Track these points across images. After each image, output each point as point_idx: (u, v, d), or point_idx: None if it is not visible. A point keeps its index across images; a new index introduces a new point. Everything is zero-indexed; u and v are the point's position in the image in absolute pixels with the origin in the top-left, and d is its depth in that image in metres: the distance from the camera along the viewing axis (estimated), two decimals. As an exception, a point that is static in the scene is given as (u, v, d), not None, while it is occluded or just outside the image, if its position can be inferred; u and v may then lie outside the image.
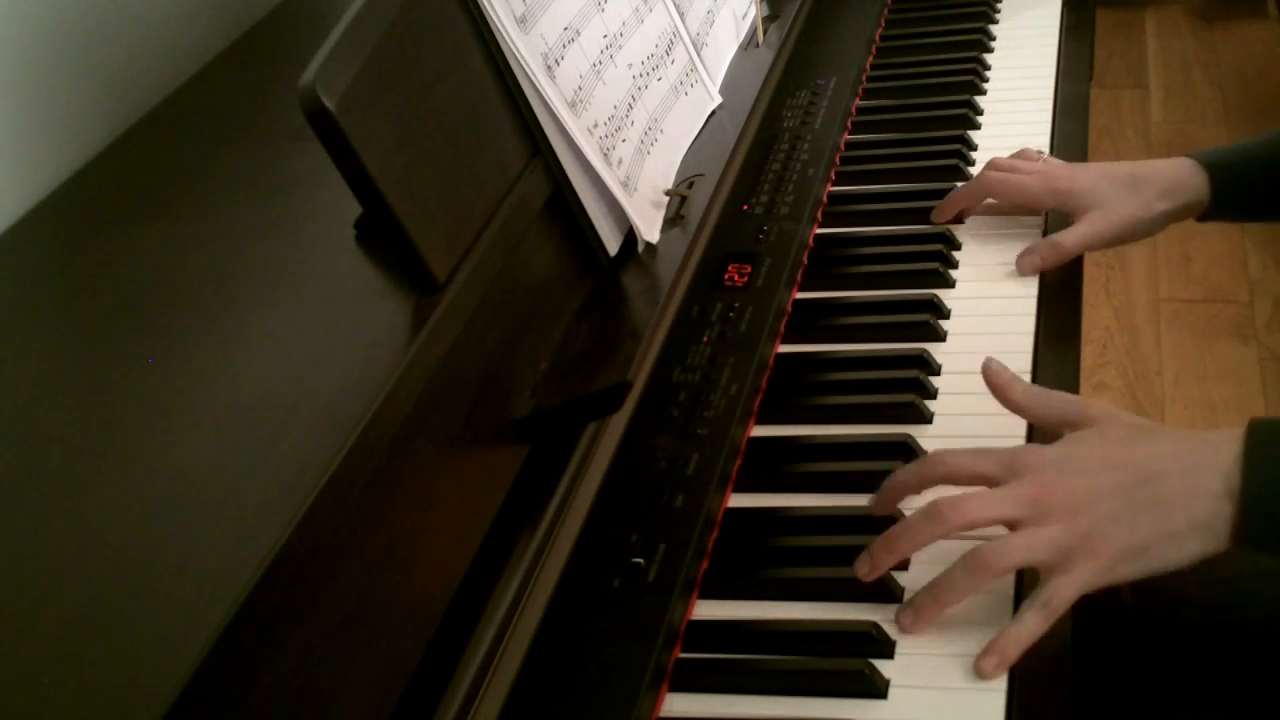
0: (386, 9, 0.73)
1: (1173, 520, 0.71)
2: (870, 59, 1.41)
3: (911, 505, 0.80)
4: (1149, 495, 0.72)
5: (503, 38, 0.81)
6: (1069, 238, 1.03)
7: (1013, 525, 0.73)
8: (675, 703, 0.74)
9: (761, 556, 0.82)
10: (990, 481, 0.76)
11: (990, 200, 1.11)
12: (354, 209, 0.73)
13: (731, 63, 1.14)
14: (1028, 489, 0.74)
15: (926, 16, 1.49)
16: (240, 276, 0.77)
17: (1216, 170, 1.02)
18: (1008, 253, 1.07)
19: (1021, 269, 1.04)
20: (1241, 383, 2.16)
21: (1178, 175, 1.03)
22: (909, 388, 0.93)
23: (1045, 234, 1.08)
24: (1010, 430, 0.87)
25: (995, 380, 0.82)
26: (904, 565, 0.79)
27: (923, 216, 1.12)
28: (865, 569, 0.76)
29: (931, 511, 0.75)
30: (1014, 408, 0.82)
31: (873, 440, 0.89)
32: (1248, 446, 0.72)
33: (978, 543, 0.74)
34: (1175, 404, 2.14)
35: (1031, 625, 0.71)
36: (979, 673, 0.71)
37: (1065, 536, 0.72)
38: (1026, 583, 0.75)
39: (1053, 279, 1.04)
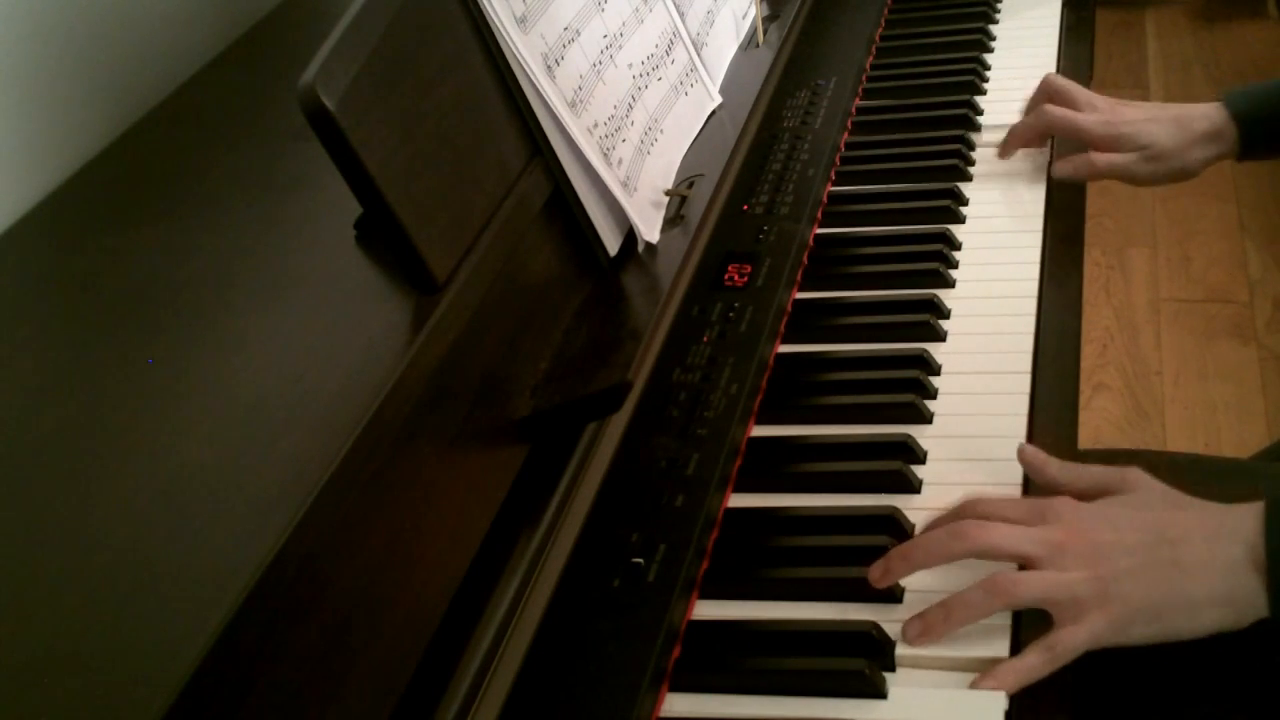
0: (386, 9, 0.73)
1: (1190, 587, 0.72)
2: (870, 59, 1.41)
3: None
4: (1170, 558, 0.72)
5: (503, 38, 0.81)
6: (1103, 161, 1.12)
7: (1033, 565, 0.74)
8: (675, 703, 0.74)
9: (761, 556, 0.82)
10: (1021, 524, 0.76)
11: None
12: (354, 209, 0.73)
13: (731, 63, 1.14)
14: (1054, 533, 0.74)
15: (926, 16, 1.49)
16: (240, 276, 0.77)
17: (1243, 119, 1.09)
18: (1008, 253, 1.07)
19: (1056, 171, 1.15)
20: (1241, 383, 2.16)
21: (1212, 124, 1.10)
22: (909, 388, 0.93)
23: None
24: (1010, 430, 0.88)
25: (1030, 461, 0.82)
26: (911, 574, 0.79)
27: (923, 216, 1.13)
28: (878, 574, 0.76)
29: (956, 529, 0.75)
30: (1051, 484, 0.81)
31: (873, 440, 0.89)
32: (1270, 512, 0.72)
33: (987, 568, 0.74)
34: (1175, 404, 2.14)
35: (1033, 663, 0.71)
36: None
37: (1083, 585, 0.72)
38: (1028, 612, 0.75)
39: (1053, 279, 1.04)
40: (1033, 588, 0.72)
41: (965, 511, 0.78)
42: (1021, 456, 0.83)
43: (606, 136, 0.89)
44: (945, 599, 0.74)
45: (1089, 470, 0.81)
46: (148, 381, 0.69)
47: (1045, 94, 1.18)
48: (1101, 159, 1.12)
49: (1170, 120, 1.11)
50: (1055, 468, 0.81)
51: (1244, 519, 0.73)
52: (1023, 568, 0.74)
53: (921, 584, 0.77)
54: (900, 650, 0.74)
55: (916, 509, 0.83)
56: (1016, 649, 0.73)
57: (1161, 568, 0.72)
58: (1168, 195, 2.63)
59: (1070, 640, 0.71)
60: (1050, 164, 1.17)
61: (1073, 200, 1.15)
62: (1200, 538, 0.73)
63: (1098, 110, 1.14)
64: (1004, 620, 0.75)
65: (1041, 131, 1.17)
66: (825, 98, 1.28)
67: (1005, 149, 1.19)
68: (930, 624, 0.74)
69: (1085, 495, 0.79)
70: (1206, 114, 1.11)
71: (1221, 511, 0.75)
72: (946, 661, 0.73)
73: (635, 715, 0.70)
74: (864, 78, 1.37)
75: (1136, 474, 0.79)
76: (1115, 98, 1.17)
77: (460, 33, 0.79)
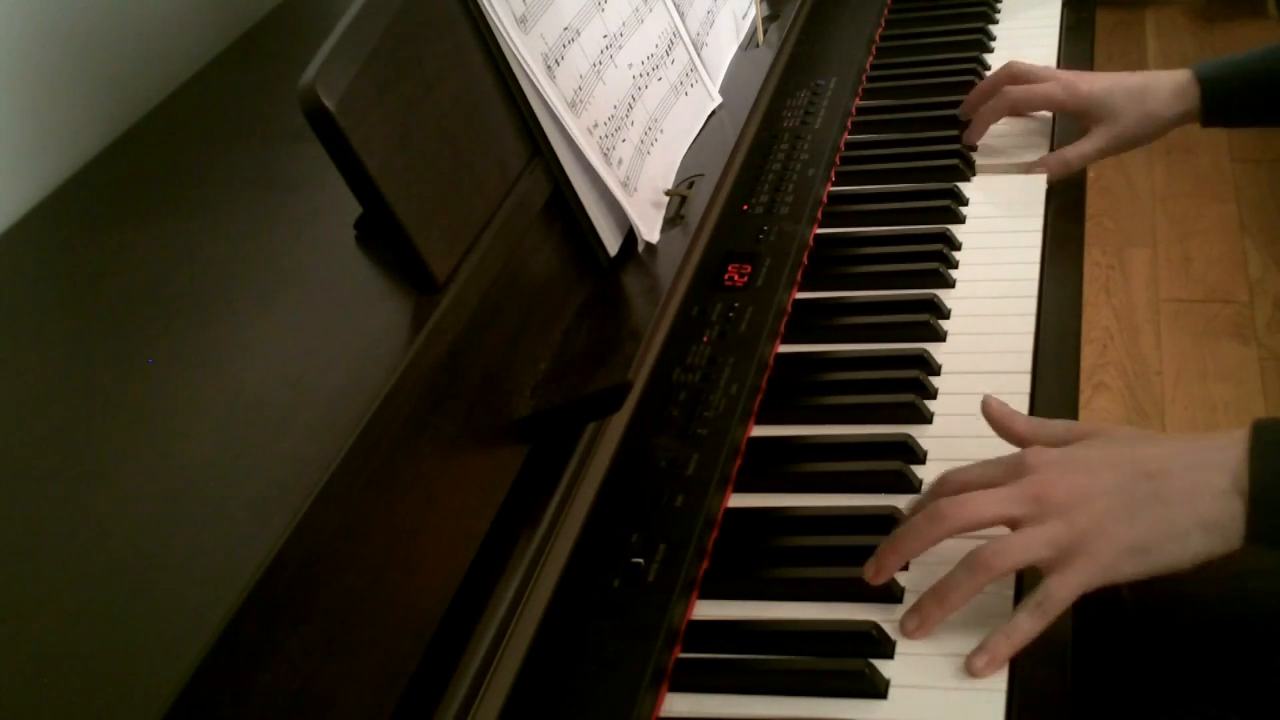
0: (386, 9, 0.73)
1: (1175, 518, 0.71)
2: (870, 59, 1.41)
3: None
4: (1150, 492, 0.72)
5: (503, 38, 0.81)
6: (1074, 152, 1.15)
7: (1015, 524, 0.73)
8: (675, 703, 0.74)
9: (761, 556, 0.82)
10: (996, 485, 0.76)
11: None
12: (354, 209, 0.73)
13: (731, 63, 1.14)
14: (1029, 487, 0.74)
15: (926, 16, 1.49)
16: (240, 277, 0.77)
17: (1207, 84, 1.12)
18: (1008, 253, 1.07)
19: (1030, 172, 1.16)
20: (1241, 383, 2.16)
21: (1178, 87, 1.13)
22: (909, 388, 0.93)
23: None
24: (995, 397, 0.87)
25: (995, 415, 0.82)
26: (904, 565, 0.79)
27: (923, 216, 1.13)
28: (872, 572, 0.76)
29: (933, 512, 0.75)
30: (1018, 440, 0.81)
31: (873, 440, 0.89)
32: (1254, 442, 0.72)
33: (981, 541, 0.74)
34: (1175, 404, 2.14)
35: (1024, 626, 0.71)
36: (969, 671, 0.71)
37: (1065, 533, 0.71)
38: (1027, 581, 0.75)
39: (1053, 279, 1.04)
40: (1013, 553, 0.72)
41: (940, 489, 0.78)
42: (986, 411, 0.82)
43: (606, 136, 0.89)
44: (935, 586, 0.74)
45: (1055, 423, 0.81)
46: (148, 382, 0.69)
47: (1007, 77, 1.20)
48: (1071, 152, 1.16)
49: (1134, 82, 1.14)
50: (1022, 423, 0.81)
51: (1225, 446, 0.73)
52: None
53: (922, 582, 0.77)
54: (901, 646, 0.74)
55: (916, 509, 0.83)
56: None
57: (1143, 503, 0.72)
58: (1168, 195, 2.63)
59: (1059, 591, 0.71)
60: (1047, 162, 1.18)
61: (1073, 200, 1.15)
62: (1180, 467, 0.73)
63: (1059, 80, 1.17)
64: (1005, 612, 0.75)
65: (1004, 112, 1.20)
66: (825, 98, 1.28)
67: (971, 135, 1.21)
68: (926, 614, 0.74)
69: (1055, 445, 0.78)
70: (1172, 76, 1.14)
71: (1200, 442, 0.74)
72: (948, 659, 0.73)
73: (635, 715, 0.70)
74: (864, 78, 1.37)
75: (1103, 424, 0.79)
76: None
77: (460, 33, 0.79)
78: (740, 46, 1.18)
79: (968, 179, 1.18)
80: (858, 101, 1.33)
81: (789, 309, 1.04)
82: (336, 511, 0.59)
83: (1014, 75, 1.20)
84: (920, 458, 0.88)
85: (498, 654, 0.69)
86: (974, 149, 1.22)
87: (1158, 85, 1.13)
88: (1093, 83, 1.15)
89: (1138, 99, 1.13)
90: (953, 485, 0.77)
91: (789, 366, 0.98)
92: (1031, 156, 1.18)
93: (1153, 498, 0.72)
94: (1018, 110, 1.21)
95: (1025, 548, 0.72)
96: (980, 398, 0.84)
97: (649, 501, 0.83)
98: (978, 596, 0.74)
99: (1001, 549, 0.72)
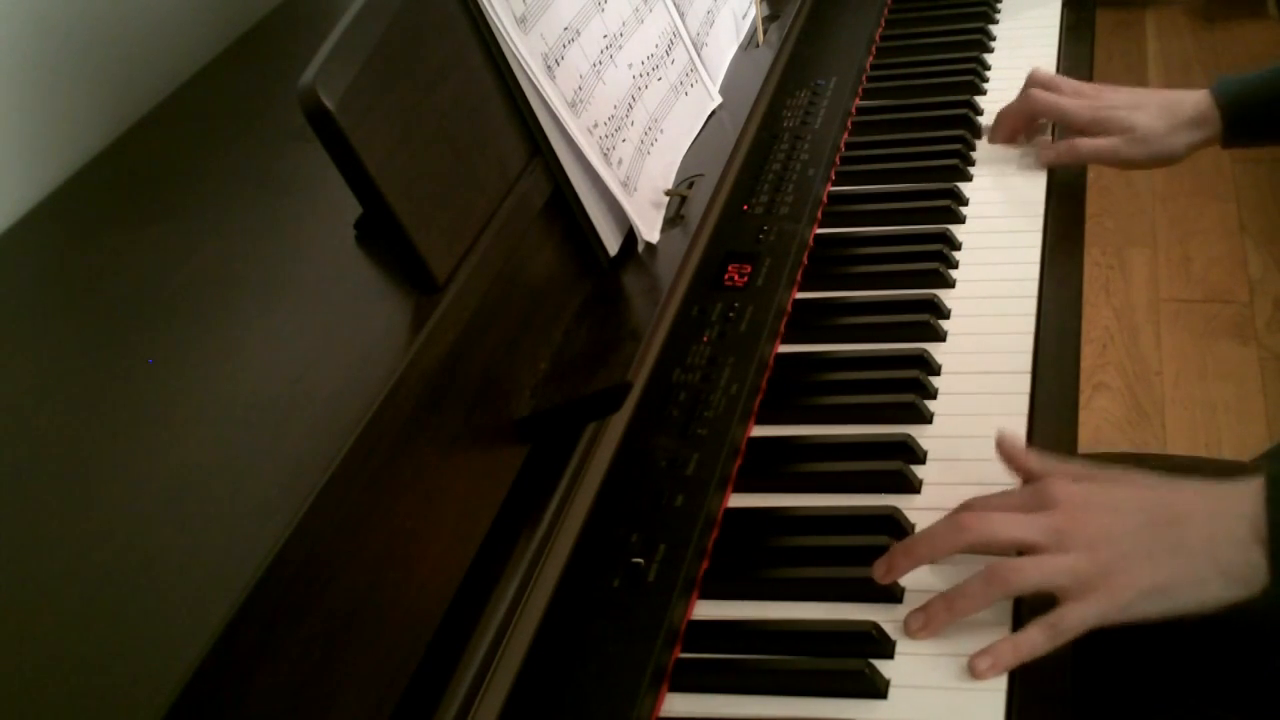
0: (386, 9, 0.73)
1: (1196, 564, 0.72)
2: (870, 59, 1.41)
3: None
4: (1174, 538, 0.72)
5: (503, 38, 0.81)
6: (1087, 145, 1.14)
7: (1034, 552, 0.74)
8: (675, 703, 0.74)
9: (761, 556, 0.82)
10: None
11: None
12: (354, 209, 0.73)
13: (731, 63, 1.14)
14: (1055, 519, 0.74)
15: (926, 16, 1.49)
16: (240, 277, 0.77)
17: (1226, 108, 1.11)
18: (1008, 253, 1.07)
19: (1041, 158, 1.17)
20: (1241, 383, 2.16)
21: (1199, 110, 1.12)
22: (909, 388, 0.93)
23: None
24: (1010, 430, 0.87)
25: (1007, 450, 0.82)
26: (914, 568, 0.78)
27: (923, 216, 1.13)
28: (881, 571, 0.76)
29: (955, 522, 0.75)
30: (1030, 476, 0.81)
31: (873, 440, 0.89)
32: (1271, 490, 0.72)
33: (989, 560, 0.74)
34: (1175, 404, 2.14)
35: (1034, 639, 0.71)
36: (971, 670, 0.71)
37: (1086, 566, 0.72)
38: (1028, 600, 0.75)
39: (1053, 279, 1.04)
40: (1031, 574, 0.73)
41: (964, 509, 0.78)
42: (999, 443, 0.82)
43: (606, 136, 0.89)
44: (946, 591, 0.74)
45: (1070, 464, 0.80)
46: (148, 382, 0.69)
47: (1031, 85, 1.19)
48: (1086, 144, 1.15)
49: (1156, 104, 1.13)
50: (1035, 461, 0.81)
51: (1245, 495, 0.73)
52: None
53: (922, 583, 0.77)
54: (901, 646, 0.74)
55: (916, 509, 0.83)
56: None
57: (1165, 550, 0.72)
58: (1168, 195, 2.63)
59: (1074, 617, 0.71)
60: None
61: (1073, 200, 1.15)
62: (1202, 516, 0.73)
63: (1084, 95, 1.16)
64: (1005, 617, 0.75)
65: (1028, 116, 1.19)
66: (825, 98, 1.28)
67: (994, 134, 1.22)
68: (932, 615, 0.74)
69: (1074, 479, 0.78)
70: (1193, 100, 1.12)
71: (1221, 488, 0.75)
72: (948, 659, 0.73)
73: (635, 715, 0.70)
74: (864, 78, 1.37)
75: (1115, 469, 0.79)
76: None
77: (460, 33, 0.79)
78: (740, 46, 1.18)
79: (968, 179, 1.18)
80: (858, 101, 1.33)
81: (789, 309, 1.04)
82: (337, 511, 0.59)
83: (1039, 82, 1.19)
84: (920, 458, 0.88)
85: (498, 654, 0.69)
86: (973, 149, 1.22)
87: (1179, 111, 1.12)
88: (1114, 105, 1.14)
89: (1161, 122, 1.11)
90: (974, 508, 0.77)
91: (789, 366, 0.98)
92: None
93: (1175, 544, 0.72)
94: (1041, 115, 1.19)
95: (1044, 572, 0.72)
96: (980, 398, 0.84)
97: (649, 501, 0.83)
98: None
99: (1022, 566, 0.73)
